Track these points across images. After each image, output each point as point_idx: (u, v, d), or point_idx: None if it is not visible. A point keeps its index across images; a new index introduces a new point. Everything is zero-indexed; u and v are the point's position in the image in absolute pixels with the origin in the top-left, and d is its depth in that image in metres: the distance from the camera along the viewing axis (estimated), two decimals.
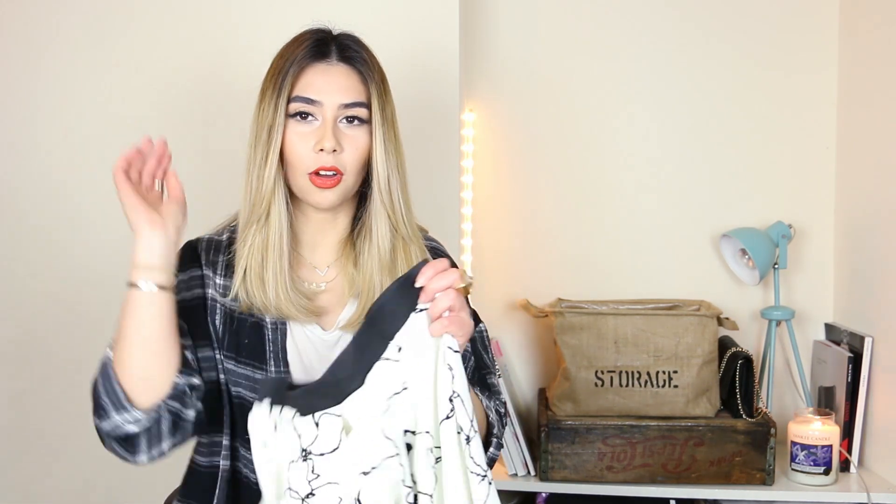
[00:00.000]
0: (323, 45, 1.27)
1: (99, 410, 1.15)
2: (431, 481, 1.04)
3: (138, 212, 1.13)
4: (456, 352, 1.07)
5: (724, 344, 2.08)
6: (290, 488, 1.04)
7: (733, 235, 2.17)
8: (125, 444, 1.16)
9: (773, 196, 2.28)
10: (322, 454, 1.04)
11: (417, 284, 1.08)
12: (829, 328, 2.27)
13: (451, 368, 1.06)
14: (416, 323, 1.07)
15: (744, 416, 1.99)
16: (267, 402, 1.05)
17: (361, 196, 1.33)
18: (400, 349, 1.07)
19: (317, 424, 1.05)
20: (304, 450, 1.05)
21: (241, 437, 1.27)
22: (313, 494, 1.03)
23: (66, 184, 2.06)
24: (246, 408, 1.25)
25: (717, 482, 1.97)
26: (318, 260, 1.34)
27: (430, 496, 1.04)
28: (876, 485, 1.98)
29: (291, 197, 1.29)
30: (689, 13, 2.27)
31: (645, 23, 2.27)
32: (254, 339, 1.26)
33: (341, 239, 1.34)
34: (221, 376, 1.28)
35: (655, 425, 1.98)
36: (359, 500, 1.02)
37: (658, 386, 2.01)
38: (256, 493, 1.27)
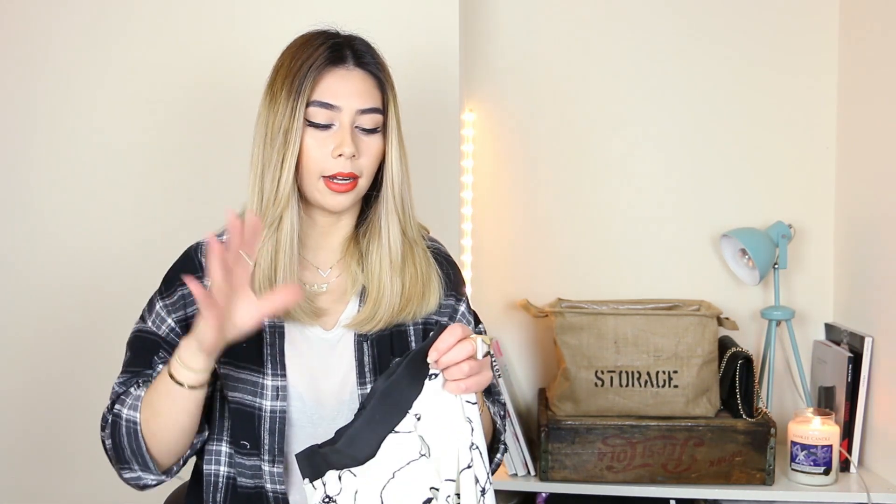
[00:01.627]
0: (339, 49, 1.27)
1: (122, 464, 1.22)
2: None
3: (210, 335, 1.09)
4: (473, 403, 1.09)
5: (724, 344, 2.08)
6: None
7: (733, 235, 2.17)
8: (139, 487, 1.25)
9: (773, 196, 2.28)
10: None
11: (430, 359, 1.09)
12: (829, 328, 2.27)
13: (470, 421, 1.08)
14: (432, 388, 1.09)
15: (744, 416, 1.99)
16: (307, 482, 1.10)
17: (364, 197, 1.33)
18: (419, 418, 1.09)
19: (339, 478, 1.09)
20: (327, 496, 1.08)
21: (237, 443, 1.27)
22: None
23: (70, 186, 2.06)
24: (244, 413, 1.26)
25: (717, 482, 1.97)
26: (321, 261, 1.34)
27: None
28: (876, 485, 1.98)
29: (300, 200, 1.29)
30: (689, 14, 2.27)
31: (645, 22, 2.27)
32: (251, 343, 1.26)
33: (344, 239, 1.34)
34: (218, 383, 1.28)
35: (655, 425, 1.97)
36: None
37: (658, 386, 2.01)
38: (255, 498, 1.27)
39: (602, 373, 2.02)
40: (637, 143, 2.29)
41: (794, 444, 2.00)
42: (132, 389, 1.23)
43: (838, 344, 2.17)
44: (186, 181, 2.05)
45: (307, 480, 1.10)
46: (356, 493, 1.08)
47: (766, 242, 2.15)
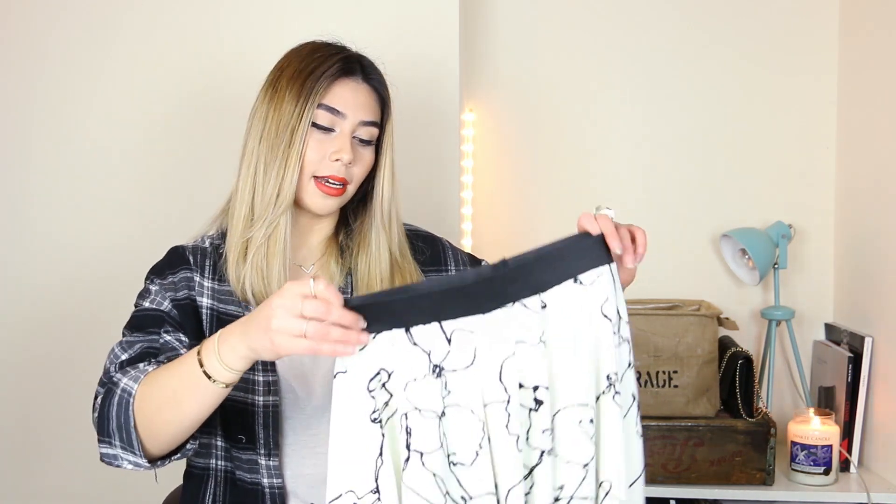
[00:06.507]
0: (351, 62, 1.32)
1: (104, 436, 1.16)
2: (589, 452, 1.02)
3: (272, 356, 1.04)
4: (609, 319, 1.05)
5: (724, 344, 2.08)
6: (416, 408, 0.95)
7: (733, 235, 2.17)
8: (114, 466, 1.17)
9: (773, 196, 2.28)
10: (455, 370, 0.98)
11: (617, 251, 1.10)
12: (829, 328, 2.27)
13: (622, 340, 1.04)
14: (574, 292, 1.05)
15: (744, 416, 1.99)
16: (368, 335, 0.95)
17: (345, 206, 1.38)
18: (544, 306, 1.03)
19: (449, 340, 0.98)
20: (435, 365, 0.97)
21: (233, 437, 1.28)
22: (444, 414, 0.97)
23: (66, 186, 2.06)
24: (238, 409, 1.26)
25: (717, 482, 1.97)
26: (302, 259, 1.37)
27: (586, 466, 1.02)
28: (876, 485, 1.98)
29: None
30: (689, 15, 2.27)
31: (644, 22, 2.27)
32: None
33: (323, 239, 1.38)
34: None
35: (655, 425, 1.97)
36: (485, 431, 0.97)
37: (658, 386, 2.01)
38: (251, 494, 1.27)
39: None
40: (637, 143, 2.29)
41: (794, 444, 2.00)
42: (141, 365, 1.18)
43: (838, 344, 2.17)
44: (180, 183, 2.05)
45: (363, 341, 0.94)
46: (475, 350, 0.98)
47: (766, 242, 2.15)
